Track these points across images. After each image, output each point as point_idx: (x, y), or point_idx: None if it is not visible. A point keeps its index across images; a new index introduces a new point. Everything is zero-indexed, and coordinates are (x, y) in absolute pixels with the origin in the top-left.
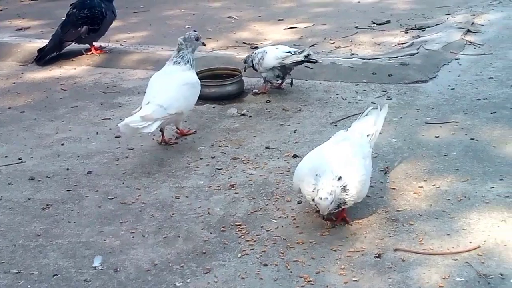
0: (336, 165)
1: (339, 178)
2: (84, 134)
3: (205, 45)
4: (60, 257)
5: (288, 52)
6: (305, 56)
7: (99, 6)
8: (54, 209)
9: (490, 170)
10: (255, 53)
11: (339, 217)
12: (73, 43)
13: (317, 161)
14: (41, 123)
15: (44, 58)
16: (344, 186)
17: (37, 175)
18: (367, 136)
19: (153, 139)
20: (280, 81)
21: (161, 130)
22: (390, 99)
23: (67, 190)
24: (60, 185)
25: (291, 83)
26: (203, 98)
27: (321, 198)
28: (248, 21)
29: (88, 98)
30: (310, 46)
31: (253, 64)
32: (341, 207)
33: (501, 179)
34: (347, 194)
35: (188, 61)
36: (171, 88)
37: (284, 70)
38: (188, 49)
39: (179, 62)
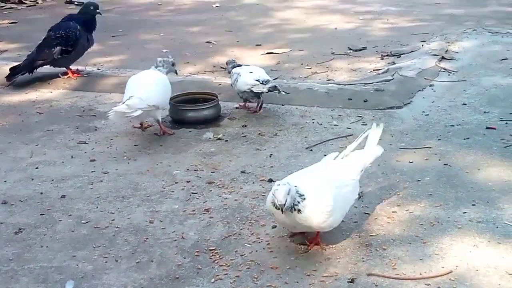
0: (297, 181)
1: (296, 185)
2: (59, 157)
3: (176, 74)
4: (31, 282)
5: (257, 80)
6: (269, 88)
7: (74, 28)
8: (27, 233)
9: (463, 195)
10: (232, 72)
11: (313, 241)
12: (48, 66)
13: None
14: (15, 146)
15: (14, 76)
16: (300, 193)
17: (10, 199)
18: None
19: (128, 162)
20: (256, 104)
21: (141, 124)
22: (365, 124)
23: (41, 214)
24: (33, 209)
25: (260, 106)
26: (179, 122)
27: (279, 185)
28: (226, 46)
29: (64, 121)
30: (274, 78)
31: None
32: (295, 209)
33: (473, 204)
34: (301, 202)
35: (161, 71)
36: (148, 84)
37: (254, 94)
38: (164, 69)
39: (154, 68)
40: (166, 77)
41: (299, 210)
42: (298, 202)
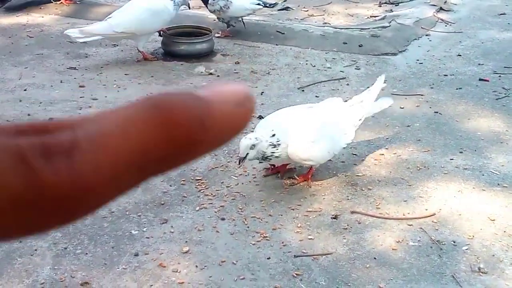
0: (280, 123)
1: (273, 135)
2: (48, 81)
3: (189, 8)
4: None
5: (258, 4)
6: (281, 9)
7: None
8: None
9: (451, 142)
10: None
11: (302, 177)
12: None
13: (274, 117)
14: (4, 67)
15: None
16: (274, 144)
17: None
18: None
19: (118, 91)
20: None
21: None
22: (359, 69)
23: None
24: None
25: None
26: (172, 55)
27: (247, 138)
28: None
29: (54, 46)
30: (283, 1)
31: (209, 9)
32: (269, 159)
33: (461, 152)
34: (276, 150)
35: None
36: (129, 9)
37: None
38: None
39: None
40: (166, 6)
41: (276, 157)
42: (272, 153)
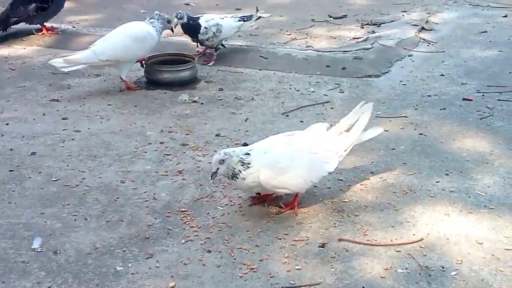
0: (260, 149)
1: (246, 154)
2: (30, 114)
3: (172, 31)
4: None
5: (240, 21)
6: (256, 19)
7: None
8: None
9: (437, 165)
10: (205, 28)
11: (288, 205)
12: (23, 23)
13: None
14: None
15: None
16: (245, 162)
17: None
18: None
19: (101, 122)
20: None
21: None
22: (343, 92)
23: (10, 171)
24: (2, 165)
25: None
26: (155, 83)
27: (218, 153)
28: (206, 8)
29: (37, 78)
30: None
31: (201, 39)
32: (236, 178)
33: (446, 174)
34: (245, 169)
35: (154, 27)
36: (113, 37)
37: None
38: (159, 23)
39: (147, 23)
40: (149, 33)
41: (243, 178)
42: (240, 171)
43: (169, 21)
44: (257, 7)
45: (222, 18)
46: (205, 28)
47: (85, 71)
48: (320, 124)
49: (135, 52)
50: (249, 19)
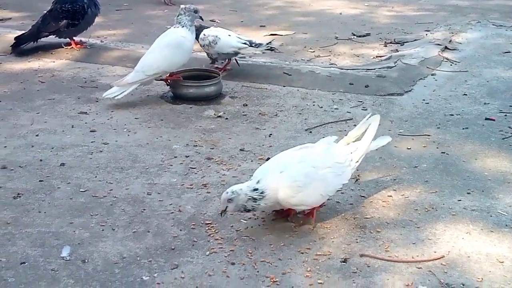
0: (270, 171)
1: (254, 189)
2: (59, 126)
3: (202, 19)
4: (28, 245)
5: (245, 44)
6: (266, 49)
7: (80, 0)
8: (25, 198)
9: (459, 183)
10: (204, 34)
11: (308, 214)
12: (52, 36)
13: (268, 164)
14: (16, 113)
15: (19, 45)
16: (256, 198)
17: (10, 164)
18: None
19: (128, 135)
20: (223, 63)
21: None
22: (366, 109)
23: (39, 181)
24: (32, 175)
25: (226, 64)
26: (181, 98)
27: (226, 192)
28: (230, 25)
29: (66, 91)
30: (268, 43)
31: (201, 44)
32: (250, 211)
33: (468, 193)
34: (261, 200)
35: (184, 25)
36: (152, 52)
37: (231, 55)
38: (186, 17)
39: (177, 26)
40: (182, 36)
41: (256, 208)
42: (253, 207)
43: (195, 11)
44: (271, 40)
45: (229, 35)
46: (204, 34)
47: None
48: (328, 138)
49: (177, 59)
50: (257, 46)
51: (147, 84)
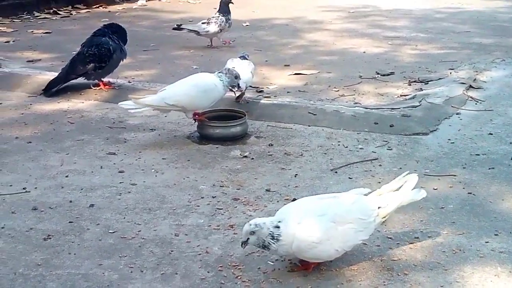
0: (291, 218)
1: (276, 227)
2: (88, 167)
3: (238, 88)
4: (58, 287)
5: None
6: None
7: (106, 44)
8: (55, 240)
9: (486, 224)
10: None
11: (304, 266)
12: (80, 78)
13: (285, 207)
14: (46, 154)
15: (50, 89)
16: (274, 236)
17: (40, 206)
18: (378, 207)
19: (156, 175)
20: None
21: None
22: (391, 149)
23: (69, 222)
24: (62, 217)
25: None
26: (207, 138)
27: (249, 224)
28: (255, 64)
29: (94, 132)
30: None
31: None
32: (268, 249)
33: (496, 234)
34: (275, 242)
35: (221, 80)
36: (181, 84)
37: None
38: (226, 77)
39: (215, 75)
40: (215, 85)
41: (275, 250)
42: (269, 243)
43: (236, 77)
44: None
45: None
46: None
47: (140, 125)
48: (360, 189)
49: (199, 101)
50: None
51: (163, 112)
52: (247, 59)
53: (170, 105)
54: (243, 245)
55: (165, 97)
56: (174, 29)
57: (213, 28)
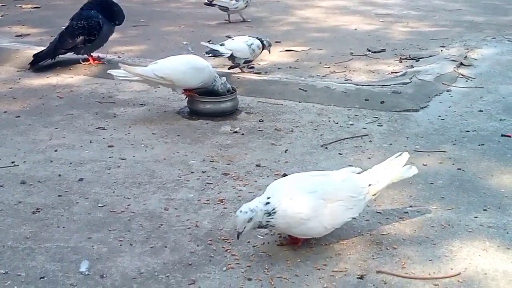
0: (280, 192)
1: (267, 203)
2: (77, 141)
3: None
4: (47, 260)
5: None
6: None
7: (96, 17)
8: (44, 213)
9: (475, 200)
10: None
11: (293, 240)
12: (69, 52)
13: (276, 183)
14: (35, 128)
15: (37, 63)
16: (269, 212)
17: (29, 179)
18: (368, 184)
19: (146, 150)
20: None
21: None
22: (381, 125)
23: (58, 196)
24: (51, 190)
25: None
26: (197, 113)
27: (244, 212)
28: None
29: (84, 107)
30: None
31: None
32: (265, 228)
33: (485, 210)
34: (272, 219)
35: (216, 77)
36: (174, 59)
37: None
38: (220, 79)
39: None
40: (208, 67)
41: (272, 226)
42: (268, 222)
43: (228, 90)
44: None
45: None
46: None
47: (130, 100)
48: (352, 168)
49: (188, 78)
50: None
51: (151, 86)
52: (263, 42)
53: (159, 77)
54: (238, 237)
55: (156, 68)
56: (206, 4)
57: (241, 4)
